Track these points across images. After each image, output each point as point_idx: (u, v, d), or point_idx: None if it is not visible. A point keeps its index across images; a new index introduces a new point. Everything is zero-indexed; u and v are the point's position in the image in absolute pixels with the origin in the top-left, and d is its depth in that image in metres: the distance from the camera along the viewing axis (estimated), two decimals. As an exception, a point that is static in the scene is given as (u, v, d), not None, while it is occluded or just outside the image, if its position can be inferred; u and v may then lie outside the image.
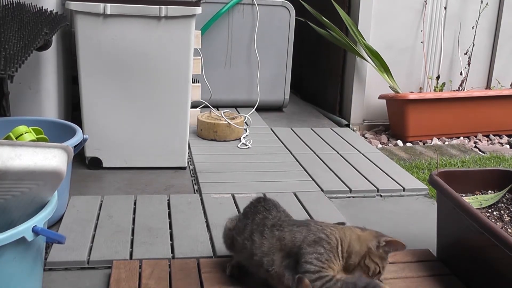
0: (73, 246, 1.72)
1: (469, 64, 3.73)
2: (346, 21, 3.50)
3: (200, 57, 3.17)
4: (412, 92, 3.70)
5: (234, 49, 3.65)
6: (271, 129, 3.33)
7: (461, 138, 3.61)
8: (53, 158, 1.24)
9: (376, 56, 3.48)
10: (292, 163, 2.70)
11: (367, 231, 1.44)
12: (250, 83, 3.71)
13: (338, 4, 3.56)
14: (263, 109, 3.76)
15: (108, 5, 2.26)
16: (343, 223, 1.52)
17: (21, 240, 1.17)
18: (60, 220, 1.92)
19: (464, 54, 3.75)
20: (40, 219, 1.22)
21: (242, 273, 1.57)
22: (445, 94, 3.56)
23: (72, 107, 2.89)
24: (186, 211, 2.06)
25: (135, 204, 2.10)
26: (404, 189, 2.42)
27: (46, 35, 1.94)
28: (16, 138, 1.74)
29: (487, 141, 3.60)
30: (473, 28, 3.69)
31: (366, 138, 3.53)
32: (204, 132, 3.04)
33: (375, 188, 2.40)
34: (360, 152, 2.93)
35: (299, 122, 3.62)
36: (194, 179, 2.45)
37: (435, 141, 3.51)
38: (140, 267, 1.62)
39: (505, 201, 1.79)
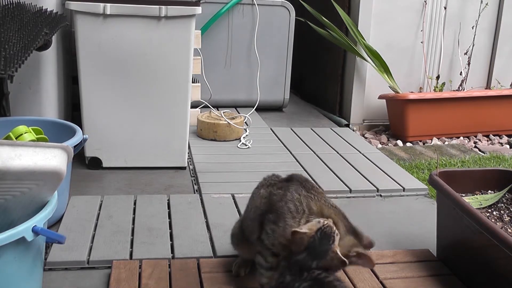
0: (73, 246, 1.72)
1: (469, 64, 3.73)
2: (346, 21, 3.50)
3: (200, 57, 3.17)
4: (412, 92, 3.70)
5: (234, 49, 3.64)
6: (271, 129, 3.33)
7: (461, 138, 3.61)
8: (53, 158, 1.24)
9: (376, 56, 3.48)
10: (292, 163, 2.70)
11: (347, 238, 1.30)
12: (250, 83, 3.71)
13: (338, 4, 3.56)
14: (263, 109, 3.76)
15: (108, 5, 2.26)
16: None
17: (21, 240, 1.17)
18: (60, 220, 1.92)
19: (464, 54, 3.75)
20: (40, 219, 1.22)
21: (248, 273, 1.58)
22: (445, 94, 3.56)
23: (72, 107, 2.89)
24: (186, 211, 2.06)
25: (135, 204, 2.10)
26: (404, 189, 2.42)
27: (46, 35, 1.94)
28: (16, 138, 1.74)
29: (487, 141, 3.60)
30: (473, 28, 3.69)
31: (366, 138, 3.53)
32: (204, 132, 3.04)
33: (375, 188, 2.40)
34: (360, 152, 2.93)
35: (299, 122, 3.62)
36: (194, 179, 2.45)
37: (435, 141, 3.51)
38: (140, 267, 1.62)
39: (505, 201, 1.79)
